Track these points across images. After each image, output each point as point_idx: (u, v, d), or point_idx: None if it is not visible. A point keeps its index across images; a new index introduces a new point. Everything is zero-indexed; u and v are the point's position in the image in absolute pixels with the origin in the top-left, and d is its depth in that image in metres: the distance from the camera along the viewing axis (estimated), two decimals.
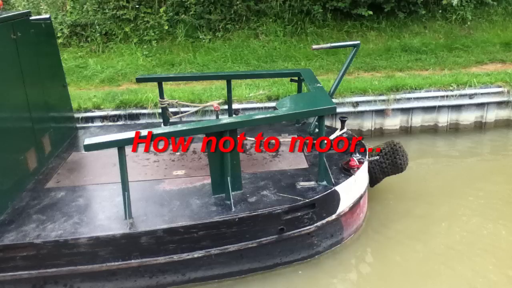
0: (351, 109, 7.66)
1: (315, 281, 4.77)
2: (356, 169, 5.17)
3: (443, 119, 7.84)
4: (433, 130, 7.96)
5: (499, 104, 7.87)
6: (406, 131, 7.92)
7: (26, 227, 4.47)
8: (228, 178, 4.69)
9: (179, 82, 8.67)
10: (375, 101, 7.52)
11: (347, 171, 5.14)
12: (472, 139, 7.76)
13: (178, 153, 5.92)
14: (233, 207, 4.60)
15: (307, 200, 4.70)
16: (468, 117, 7.90)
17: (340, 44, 6.31)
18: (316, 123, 5.90)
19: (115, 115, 7.32)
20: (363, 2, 10.51)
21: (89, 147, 4.30)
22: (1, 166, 4.72)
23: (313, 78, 5.91)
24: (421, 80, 7.88)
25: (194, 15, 10.63)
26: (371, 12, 10.39)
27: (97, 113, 7.33)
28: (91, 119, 7.31)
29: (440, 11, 11.06)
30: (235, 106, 7.54)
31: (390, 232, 5.48)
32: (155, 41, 10.44)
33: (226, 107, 7.35)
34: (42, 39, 5.90)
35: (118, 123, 7.38)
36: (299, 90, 6.46)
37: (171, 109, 7.26)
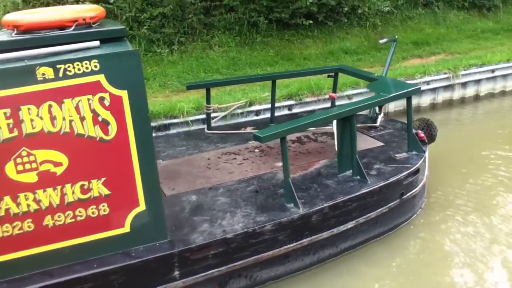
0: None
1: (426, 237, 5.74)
2: (425, 140, 6.27)
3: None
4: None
5: (446, 87, 9.91)
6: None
7: (201, 228, 4.51)
8: (356, 156, 5.35)
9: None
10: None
11: (422, 142, 6.20)
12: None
13: (257, 151, 6.28)
14: (368, 180, 5.27)
15: (415, 166, 5.62)
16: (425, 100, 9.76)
17: (385, 40, 7.35)
18: (375, 108, 6.86)
19: None
20: (300, 13, 11.77)
21: (265, 138, 4.61)
22: None
23: (360, 70, 6.86)
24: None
25: (149, 29, 10.60)
26: (311, 21, 11.68)
27: None
28: None
29: (356, 19, 12.93)
30: (256, 107, 8.05)
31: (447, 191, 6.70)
32: None
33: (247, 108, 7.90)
34: None
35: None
36: (335, 85, 7.31)
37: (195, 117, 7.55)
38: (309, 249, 4.93)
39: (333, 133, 6.66)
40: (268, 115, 7.93)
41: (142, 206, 4.18)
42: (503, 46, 12.62)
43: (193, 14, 11.03)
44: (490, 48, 12.34)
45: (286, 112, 8.27)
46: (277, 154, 6.12)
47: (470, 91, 10.35)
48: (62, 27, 4.13)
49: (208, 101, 6.93)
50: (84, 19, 4.23)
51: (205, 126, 7.22)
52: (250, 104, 8.00)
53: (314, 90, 8.48)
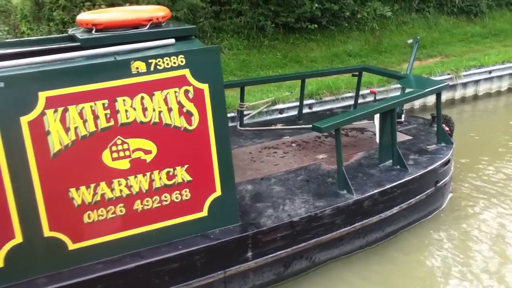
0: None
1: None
2: (450, 133, 6.74)
3: None
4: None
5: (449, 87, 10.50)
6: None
7: (267, 213, 4.83)
8: (396, 146, 5.77)
9: None
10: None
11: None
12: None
13: (294, 145, 6.63)
14: (408, 169, 5.69)
15: (447, 157, 6.07)
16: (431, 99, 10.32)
17: (411, 41, 7.79)
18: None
19: None
20: (304, 17, 12.23)
21: (325, 129, 4.98)
22: None
23: (385, 69, 7.31)
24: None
25: None
26: (315, 25, 12.15)
27: None
28: None
29: (356, 23, 13.48)
30: (279, 106, 8.41)
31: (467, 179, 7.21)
32: None
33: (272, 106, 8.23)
34: None
35: None
36: (359, 84, 7.73)
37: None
38: (360, 233, 5.31)
39: (362, 128, 7.10)
40: (291, 113, 8.32)
41: (218, 192, 4.48)
42: (493, 49, 13.35)
43: (204, 18, 11.36)
44: (481, 51, 13.05)
45: (307, 110, 8.65)
46: (315, 148, 6.50)
47: (469, 91, 11.00)
48: (136, 26, 4.42)
49: (242, 99, 7.26)
50: (157, 19, 4.54)
51: (235, 124, 7.54)
52: (274, 103, 8.36)
53: (332, 89, 8.91)
